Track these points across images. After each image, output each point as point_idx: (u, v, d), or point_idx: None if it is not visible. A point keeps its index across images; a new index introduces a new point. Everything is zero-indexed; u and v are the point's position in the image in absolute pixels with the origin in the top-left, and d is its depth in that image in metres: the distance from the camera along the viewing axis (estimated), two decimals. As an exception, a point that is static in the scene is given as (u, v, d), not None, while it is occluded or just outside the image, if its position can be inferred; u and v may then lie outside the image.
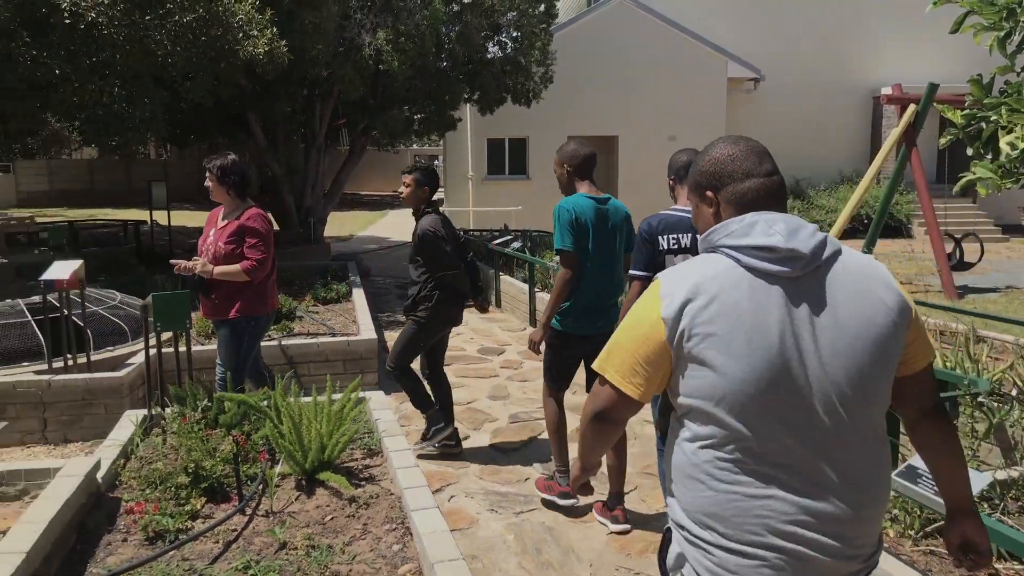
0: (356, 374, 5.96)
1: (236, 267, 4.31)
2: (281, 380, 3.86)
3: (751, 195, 1.62)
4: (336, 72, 10.78)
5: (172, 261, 4.48)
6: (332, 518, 3.11)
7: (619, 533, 3.76)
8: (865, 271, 1.58)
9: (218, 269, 4.31)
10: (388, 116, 13.07)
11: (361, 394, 4.22)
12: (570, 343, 3.86)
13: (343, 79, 10.79)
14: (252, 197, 4.64)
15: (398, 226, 21.27)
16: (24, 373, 5.21)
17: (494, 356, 7.40)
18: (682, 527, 1.63)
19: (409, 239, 4.83)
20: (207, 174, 4.49)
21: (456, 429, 4.85)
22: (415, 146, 37.47)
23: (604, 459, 3.92)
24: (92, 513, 3.06)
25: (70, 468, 3.10)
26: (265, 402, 3.73)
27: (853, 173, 19.95)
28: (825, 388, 1.52)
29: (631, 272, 3.36)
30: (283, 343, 6.01)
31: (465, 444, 5.03)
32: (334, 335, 6.59)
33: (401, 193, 4.77)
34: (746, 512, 1.53)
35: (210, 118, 12.63)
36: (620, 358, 1.64)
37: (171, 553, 2.78)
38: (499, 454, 4.88)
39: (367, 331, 6.61)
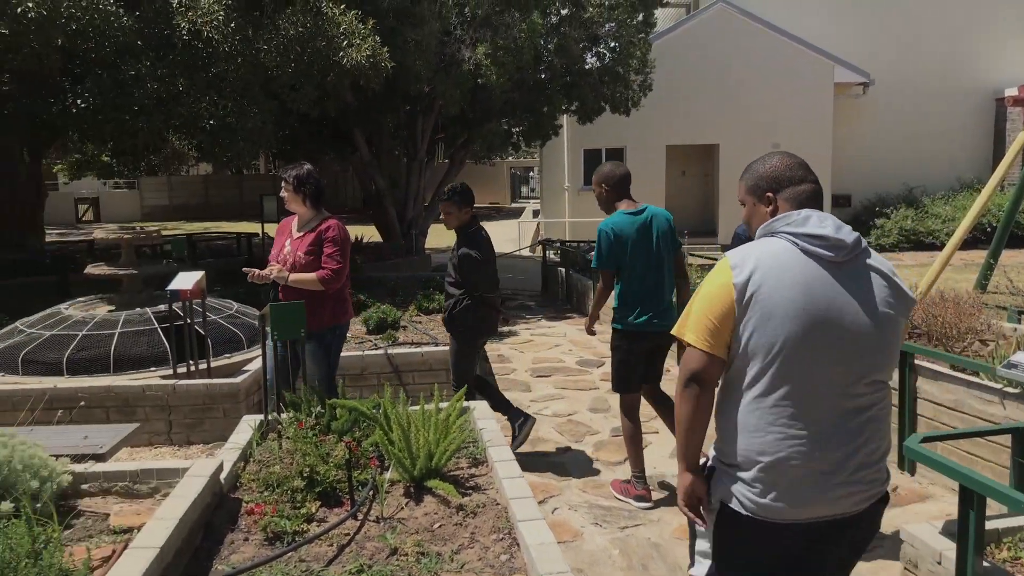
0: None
1: (312, 276, 4.36)
2: (389, 389, 3.96)
3: (804, 195, 2.07)
4: (437, 87, 11.02)
5: (245, 269, 4.56)
6: (440, 525, 3.15)
7: None
8: (886, 266, 2.03)
9: (293, 276, 4.37)
10: (486, 129, 13.25)
11: (465, 404, 4.27)
12: (628, 339, 4.30)
13: (443, 94, 11.02)
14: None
15: (495, 238, 21.46)
16: (152, 377, 5.54)
17: (593, 368, 7.36)
18: (730, 465, 2.01)
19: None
20: (283, 184, 4.52)
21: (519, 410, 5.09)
22: (511, 158, 37.80)
23: None
24: (216, 512, 3.21)
25: (196, 469, 3.26)
26: (374, 409, 3.83)
27: (974, 180, 18.86)
28: (858, 347, 1.92)
29: None
30: (389, 352, 6.17)
31: (566, 457, 5.03)
32: (437, 344, 6.70)
33: (446, 222, 5.01)
34: (788, 448, 1.92)
35: (318, 133, 13.13)
36: (697, 322, 2.01)
37: (289, 554, 2.89)
38: (602, 467, 4.85)
39: (468, 341, 6.68)
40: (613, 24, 12.84)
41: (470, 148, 14.47)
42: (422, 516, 3.24)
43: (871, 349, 1.92)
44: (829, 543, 2.00)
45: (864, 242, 1.99)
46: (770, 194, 2.10)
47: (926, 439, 2.99)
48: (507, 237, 20.37)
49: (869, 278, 1.96)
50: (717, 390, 2.04)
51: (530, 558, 2.73)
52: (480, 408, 4.33)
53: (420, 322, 7.98)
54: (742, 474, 1.96)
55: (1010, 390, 4.28)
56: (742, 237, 4.21)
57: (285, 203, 4.58)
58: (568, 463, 4.91)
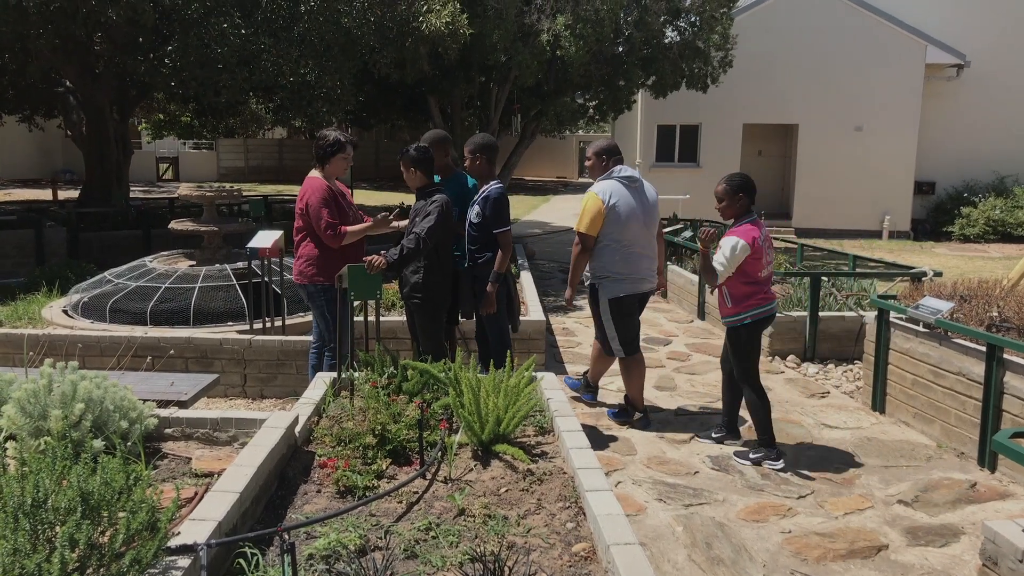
0: (524, 353, 6.06)
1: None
2: (460, 352, 4.00)
3: (619, 160, 5.09)
4: (514, 57, 10.94)
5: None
6: (507, 490, 3.18)
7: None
8: (651, 186, 5.11)
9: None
10: (560, 102, 13.11)
11: (534, 373, 4.28)
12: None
13: (520, 64, 10.94)
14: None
15: (561, 211, 21.39)
16: (229, 332, 5.72)
17: (660, 347, 7.29)
18: (604, 278, 4.97)
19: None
20: (348, 147, 5.09)
21: None
22: (580, 132, 37.40)
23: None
24: (291, 463, 3.31)
25: (273, 421, 3.36)
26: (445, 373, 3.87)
27: (1071, 170, 17.85)
28: (650, 226, 5.00)
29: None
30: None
31: (631, 432, 5.01)
32: (504, 314, 6.71)
33: (408, 181, 4.85)
34: (632, 266, 4.93)
35: (393, 99, 13.20)
36: (586, 221, 4.89)
37: (360, 508, 2.96)
38: (667, 445, 4.81)
39: (535, 312, 6.70)
40: (696, -3, 12.52)
41: (542, 121, 14.35)
42: (489, 480, 3.27)
43: (652, 223, 4.99)
44: (643, 301, 5.08)
45: (641, 177, 4.99)
46: (606, 158, 5.02)
47: (1016, 435, 2.87)
48: (573, 211, 20.19)
49: (646, 192, 4.99)
50: (595, 248, 4.89)
51: (597, 528, 2.73)
52: (548, 378, 4.34)
53: (487, 291, 8.00)
54: (607, 282, 4.91)
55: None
56: (491, 198, 4.89)
57: (345, 168, 5.31)
58: (633, 440, 4.89)
